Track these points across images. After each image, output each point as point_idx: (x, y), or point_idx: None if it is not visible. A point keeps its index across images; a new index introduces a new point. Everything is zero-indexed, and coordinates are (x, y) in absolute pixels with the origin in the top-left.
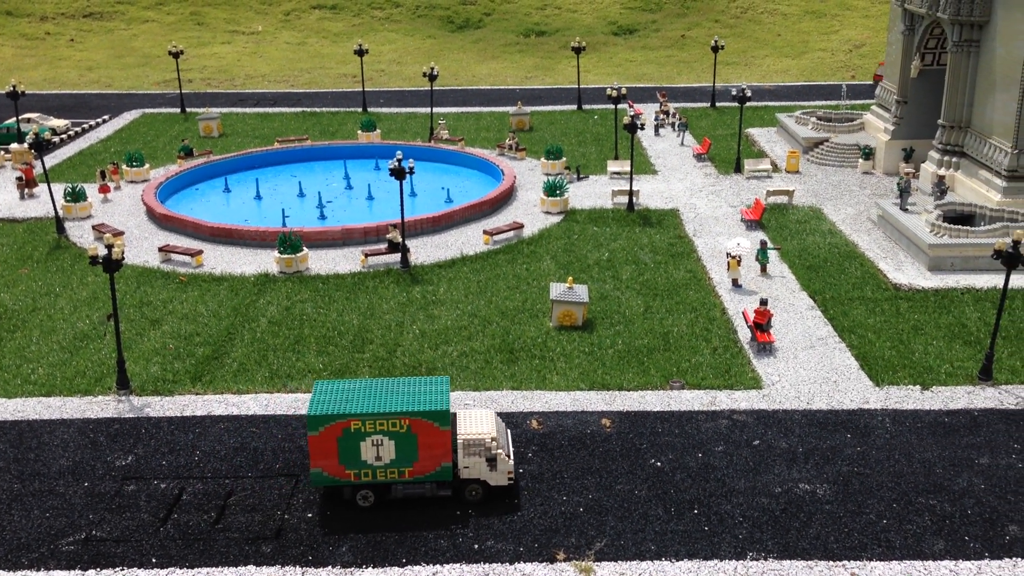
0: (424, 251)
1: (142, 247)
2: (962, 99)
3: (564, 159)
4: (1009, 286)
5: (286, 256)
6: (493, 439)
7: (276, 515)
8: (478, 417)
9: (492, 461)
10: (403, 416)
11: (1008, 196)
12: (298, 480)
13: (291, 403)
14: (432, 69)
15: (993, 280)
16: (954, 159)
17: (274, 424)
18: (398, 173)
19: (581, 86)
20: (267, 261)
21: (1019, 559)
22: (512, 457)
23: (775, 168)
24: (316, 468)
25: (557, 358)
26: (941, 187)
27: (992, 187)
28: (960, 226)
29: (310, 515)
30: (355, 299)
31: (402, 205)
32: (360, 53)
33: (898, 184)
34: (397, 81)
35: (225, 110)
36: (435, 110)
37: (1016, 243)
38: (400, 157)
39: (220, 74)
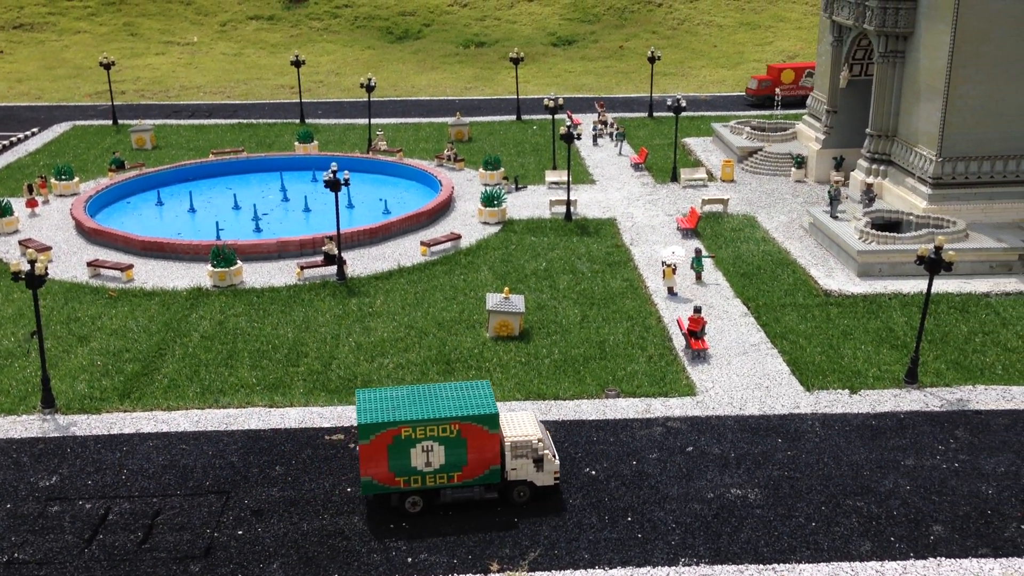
0: (361, 263)
1: (71, 262)
2: (889, 108)
3: (502, 169)
4: (934, 291)
5: (219, 270)
6: (540, 440)
7: (205, 533)
8: (520, 419)
9: (539, 462)
10: (453, 421)
11: (933, 203)
12: (228, 497)
13: (222, 419)
14: (370, 80)
15: (920, 285)
16: (882, 167)
17: (204, 440)
18: (333, 185)
19: (520, 96)
20: (200, 275)
21: (943, 558)
22: (557, 457)
23: (711, 177)
24: (366, 477)
25: (493, 368)
26: (869, 195)
27: (918, 194)
28: (887, 233)
29: (240, 532)
30: (290, 312)
31: (337, 217)
32: (297, 64)
33: (829, 192)
34: (335, 92)
35: (159, 122)
36: (373, 121)
37: (938, 249)
38: (335, 169)
39: (154, 85)
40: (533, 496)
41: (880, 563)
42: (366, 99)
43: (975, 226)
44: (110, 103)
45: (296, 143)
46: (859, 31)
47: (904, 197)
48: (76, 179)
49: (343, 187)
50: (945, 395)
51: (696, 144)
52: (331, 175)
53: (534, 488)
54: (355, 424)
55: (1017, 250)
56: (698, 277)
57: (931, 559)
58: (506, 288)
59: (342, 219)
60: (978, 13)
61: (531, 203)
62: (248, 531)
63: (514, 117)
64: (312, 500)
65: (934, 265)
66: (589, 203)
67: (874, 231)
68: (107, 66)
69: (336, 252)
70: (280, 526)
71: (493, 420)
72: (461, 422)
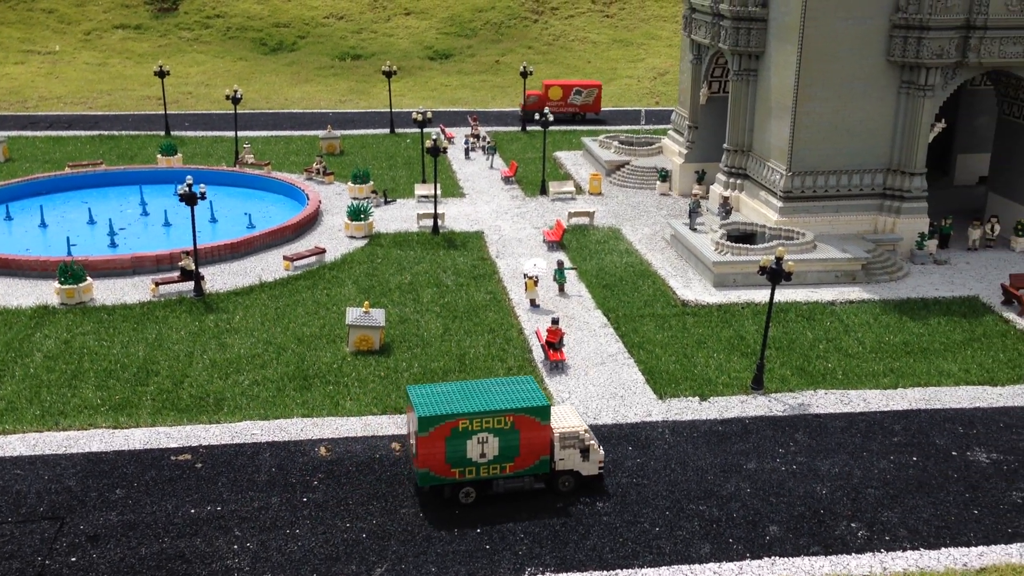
0: (221, 278)
1: None
2: (743, 124)
3: (371, 183)
4: (785, 299)
5: (67, 287)
6: (586, 431)
7: (36, 561)
8: (563, 412)
9: (585, 452)
10: (508, 413)
11: (784, 215)
12: (63, 523)
13: (62, 442)
14: (235, 92)
15: None
16: (739, 181)
17: (41, 465)
18: (189, 198)
19: (395, 110)
20: (47, 292)
21: (777, 558)
22: (601, 447)
23: (579, 190)
24: (423, 469)
25: (352, 383)
26: (726, 207)
27: (771, 207)
28: (741, 244)
29: (74, 559)
30: (142, 330)
31: (194, 231)
32: (161, 75)
33: (689, 205)
34: (205, 104)
35: (13, 133)
36: (244, 134)
37: (779, 260)
38: (190, 182)
39: (11, 96)
40: (578, 485)
41: (718, 564)
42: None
43: (823, 237)
44: None
45: (159, 155)
46: (716, 50)
47: (758, 210)
48: None
49: (200, 200)
50: (788, 400)
51: (567, 158)
52: (186, 188)
53: (579, 477)
54: (201, 445)
55: (860, 260)
56: (560, 289)
57: (766, 559)
58: (366, 302)
59: (206, 234)
60: (822, 34)
61: (400, 216)
62: (82, 557)
63: (388, 130)
64: (153, 523)
65: (775, 275)
66: (458, 216)
67: (729, 243)
68: None
69: (193, 267)
70: (117, 551)
71: (545, 412)
72: (515, 414)
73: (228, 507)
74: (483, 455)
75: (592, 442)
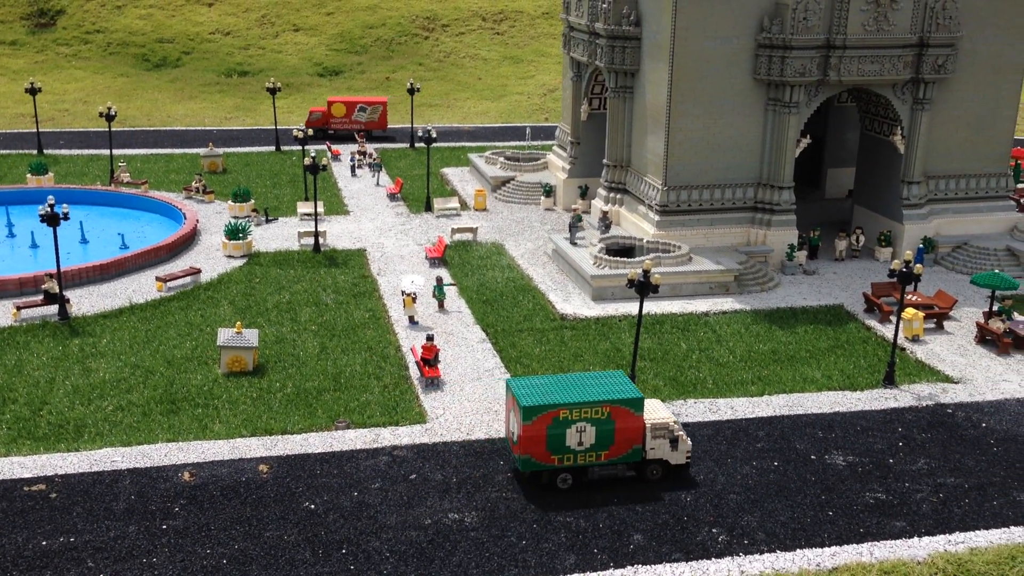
0: (89, 301)
1: None
2: (622, 140)
3: (252, 201)
4: (661, 311)
5: None
6: (675, 422)
7: None
8: (654, 405)
9: (674, 442)
10: (606, 403)
11: (661, 229)
12: None
13: None
14: (109, 109)
15: (648, 307)
16: (618, 195)
17: None
18: (51, 219)
19: (283, 127)
20: None
21: (640, 566)
22: (689, 439)
23: (464, 206)
24: (525, 455)
25: (222, 406)
26: (605, 222)
27: (648, 221)
28: (619, 258)
29: None
30: (1, 356)
31: (57, 252)
32: (32, 92)
33: (570, 220)
34: (83, 121)
35: None
36: (122, 152)
37: (646, 272)
38: (52, 202)
39: None
40: (666, 474)
41: (582, 574)
42: (114, 129)
43: (698, 250)
44: None
45: (28, 175)
46: (594, 67)
47: (637, 224)
48: None
49: (63, 221)
50: None
51: (454, 174)
52: (48, 209)
53: (668, 466)
54: (57, 474)
55: (733, 271)
56: (440, 305)
57: (629, 567)
58: (238, 323)
59: (76, 255)
60: (692, 53)
61: (281, 235)
62: None
63: (273, 148)
64: (0, 557)
65: (643, 287)
66: (341, 234)
67: (607, 256)
68: None
69: (57, 290)
70: None
71: (639, 403)
72: (612, 405)
73: (82, 538)
74: (580, 443)
75: (680, 433)
